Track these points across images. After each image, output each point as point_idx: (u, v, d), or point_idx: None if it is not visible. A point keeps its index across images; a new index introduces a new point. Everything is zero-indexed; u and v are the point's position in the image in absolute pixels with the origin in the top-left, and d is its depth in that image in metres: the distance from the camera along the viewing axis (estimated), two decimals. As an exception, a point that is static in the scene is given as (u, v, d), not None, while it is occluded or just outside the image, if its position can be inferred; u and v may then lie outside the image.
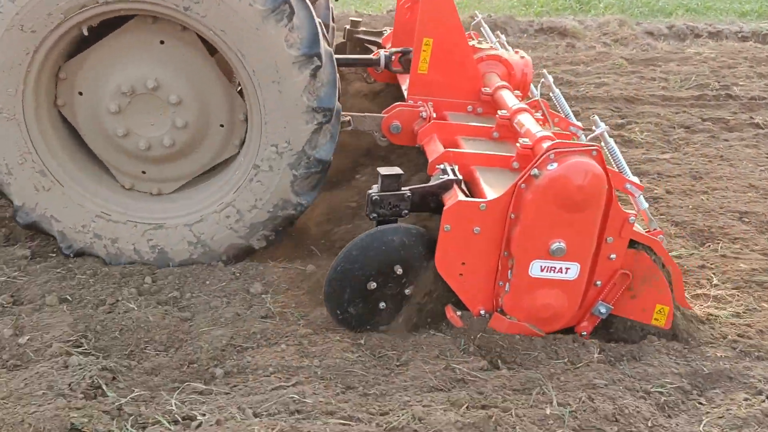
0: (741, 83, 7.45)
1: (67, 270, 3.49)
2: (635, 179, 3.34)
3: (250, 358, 2.87)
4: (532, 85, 4.24)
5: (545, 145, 3.14)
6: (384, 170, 2.97)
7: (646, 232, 3.13)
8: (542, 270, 2.98)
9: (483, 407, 2.60)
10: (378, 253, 2.97)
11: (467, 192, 3.10)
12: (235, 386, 2.71)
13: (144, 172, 3.63)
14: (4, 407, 2.46)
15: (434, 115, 3.81)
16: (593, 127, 3.33)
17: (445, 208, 2.94)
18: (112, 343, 2.98)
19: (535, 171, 2.83)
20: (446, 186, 3.07)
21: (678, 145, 5.86)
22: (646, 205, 3.26)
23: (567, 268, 2.98)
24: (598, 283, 3.07)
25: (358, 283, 3.00)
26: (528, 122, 3.44)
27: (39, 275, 3.44)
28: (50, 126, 3.46)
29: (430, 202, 3.08)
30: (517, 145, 3.27)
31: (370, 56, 4.64)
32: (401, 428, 2.46)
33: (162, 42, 3.38)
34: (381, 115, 3.90)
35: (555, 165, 2.82)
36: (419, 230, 3.04)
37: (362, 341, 3.01)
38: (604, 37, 9.30)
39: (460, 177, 3.10)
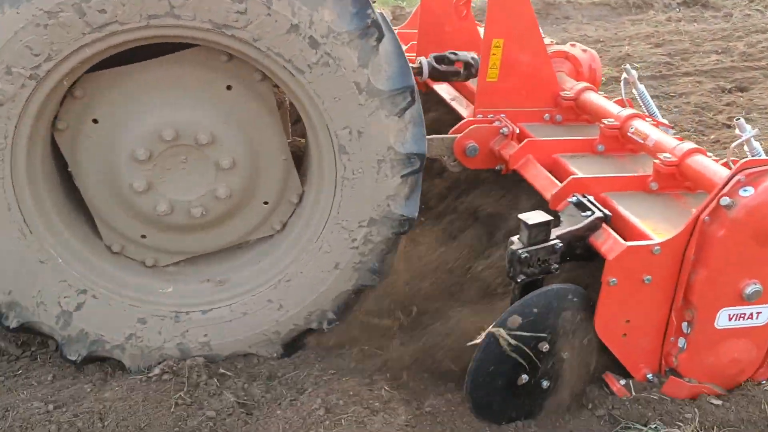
0: None
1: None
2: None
3: None
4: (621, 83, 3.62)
5: (700, 159, 2.56)
6: (528, 217, 2.29)
7: None
8: (730, 319, 2.39)
9: None
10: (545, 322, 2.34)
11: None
12: None
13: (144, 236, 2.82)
14: None
15: (517, 130, 3.15)
16: (737, 131, 2.75)
17: (609, 258, 2.28)
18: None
19: (727, 200, 2.22)
20: (594, 226, 2.42)
21: None
22: None
23: (758, 313, 2.40)
24: (781, 321, 2.52)
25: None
26: (653, 132, 2.83)
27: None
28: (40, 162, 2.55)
29: (576, 248, 2.43)
30: (656, 161, 2.66)
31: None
32: None
33: (229, 87, 2.57)
34: (451, 136, 3.20)
35: (750, 190, 2.22)
36: (579, 289, 2.39)
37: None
38: (751, 5, 9.06)
39: (609, 213, 2.46)
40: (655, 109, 3.49)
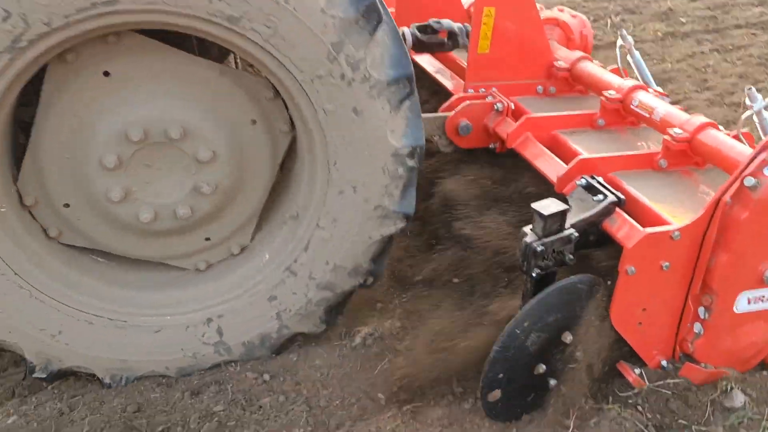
0: None
1: None
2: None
3: None
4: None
5: (714, 134, 2.44)
6: (542, 206, 2.13)
7: None
8: (749, 302, 2.29)
9: None
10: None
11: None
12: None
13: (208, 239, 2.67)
14: None
15: (512, 105, 2.98)
16: (747, 101, 2.63)
17: (628, 246, 2.15)
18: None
19: (751, 180, 2.10)
20: (608, 212, 2.29)
21: None
22: None
23: (776, 294, 2.32)
24: (794, 300, 2.44)
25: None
26: (659, 105, 2.70)
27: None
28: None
29: (590, 235, 2.29)
30: (666, 137, 2.53)
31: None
32: None
33: (106, 74, 2.30)
34: (443, 114, 3.01)
35: (775, 169, 2.10)
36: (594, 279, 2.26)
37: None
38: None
39: (623, 197, 2.32)
40: (650, 76, 3.36)
